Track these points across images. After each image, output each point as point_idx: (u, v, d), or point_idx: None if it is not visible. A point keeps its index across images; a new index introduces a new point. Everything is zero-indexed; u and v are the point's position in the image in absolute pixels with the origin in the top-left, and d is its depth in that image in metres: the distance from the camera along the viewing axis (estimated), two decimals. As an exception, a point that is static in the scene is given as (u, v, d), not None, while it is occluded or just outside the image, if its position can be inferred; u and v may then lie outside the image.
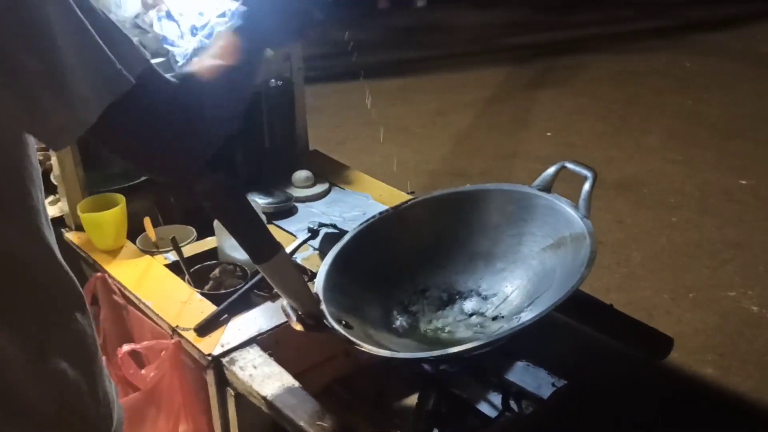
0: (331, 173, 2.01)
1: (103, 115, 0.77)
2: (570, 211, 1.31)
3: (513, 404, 1.39)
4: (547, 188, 1.38)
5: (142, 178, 1.73)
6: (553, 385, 1.44)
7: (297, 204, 1.87)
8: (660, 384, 2.40)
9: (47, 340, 0.86)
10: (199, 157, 0.88)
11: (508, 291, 1.38)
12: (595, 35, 6.37)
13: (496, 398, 1.40)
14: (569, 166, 1.37)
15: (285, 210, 1.82)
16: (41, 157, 1.95)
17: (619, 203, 3.61)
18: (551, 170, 1.39)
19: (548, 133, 4.49)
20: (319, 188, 1.93)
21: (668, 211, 3.55)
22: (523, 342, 1.41)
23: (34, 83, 0.73)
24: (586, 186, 1.31)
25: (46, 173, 1.86)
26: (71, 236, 1.72)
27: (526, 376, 1.46)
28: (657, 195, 3.71)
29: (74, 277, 0.92)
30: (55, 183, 1.78)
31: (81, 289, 0.94)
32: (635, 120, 4.65)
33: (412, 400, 1.39)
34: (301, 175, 1.92)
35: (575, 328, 1.52)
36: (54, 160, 1.71)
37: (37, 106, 0.75)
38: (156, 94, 0.83)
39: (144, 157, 0.87)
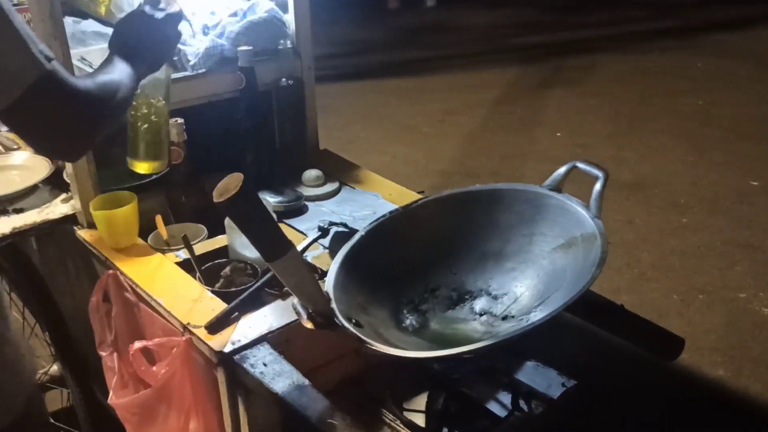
0: (341, 172, 2.02)
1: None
2: (581, 211, 1.31)
3: (522, 404, 1.39)
4: (557, 188, 1.38)
5: (153, 177, 1.73)
6: (563, 385, 1.44)
7: (307, 203, 1.87)
8: (670, 385, 2.40)
9: None
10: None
11: (519, 291, 1.38)
12: (607, 35, 6.36)
13: (506, 398, 1.40)
14: (580, 166, 1.37)
15: (295, 209, 1.83)
16: (54, 155, 1.97)
17: (629, 204, 3.60)
18: (562, 170, 1.38)
19: (558, 134, 4.48)
20: (329, 187, 1.93)
21: (679, 212, 3.54)
22: (534, 342, 1.41)
23: None
24: (597, 186, 1.30)
25: (59, 171, 1.88)
26: (83, 234, 1.73)
27: (536, 376, 1.46)
28: (668, 196, 3.70)
29: None
30: (68, 181, 1.79)
31: None
32: (646, 120, 4.64)
33: (422, 399, 1.39)
34: (311, 174, 1.93)
35: (585, 328, 1.51)
36: (67, 158, 1.72)
37: None
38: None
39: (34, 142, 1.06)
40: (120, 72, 1.20)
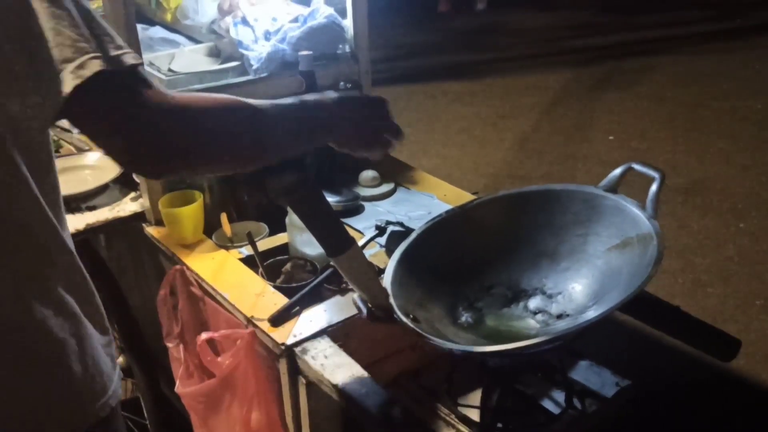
0: (396, 173, 2.06)
1: (74, 97, 0.82)
2: (637, 211, 1.32)
3: (576, 402, 1.41)
4: (613, 189, 1.39)
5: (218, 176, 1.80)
6: (617, 384, 1.45)
7: (364, 203, 1.92)
8: (725, 389, 2.37)
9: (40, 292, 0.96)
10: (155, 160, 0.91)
11: (573, 290, 1.40)
12: (662, 37, 6.26)
13: (560, 396, 1.42)
14: (636, 167, 1.38)
15: (353, 208, 1.88)
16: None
17: (685, 208, 3.56)
18: (618, 171, 1.40)
19: (611, 137, 4.44)
20: (385, 188, 1.98)
21: (736, 217, 3.47)
22: (588, 341, 1.42)
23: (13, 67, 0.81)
24: (654, 187, 1.31)
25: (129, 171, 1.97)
26: (151, 231, 1.81)
27: (590, 375, 1.48)
28: (725, 200, 3.64)
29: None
30: (137, 180, 1.88)
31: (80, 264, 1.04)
32: (702, 124, 4.56)
33: (477, 394, 1.42)
34: (367, 174, 1.98)
35: (641, 329, 1.52)
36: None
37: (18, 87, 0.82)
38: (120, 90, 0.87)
39: (102, 142, 0.90)
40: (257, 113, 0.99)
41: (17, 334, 0.94)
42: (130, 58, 0.87)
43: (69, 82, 0.82)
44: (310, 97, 1.06)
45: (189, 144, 0.91)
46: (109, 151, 0.90)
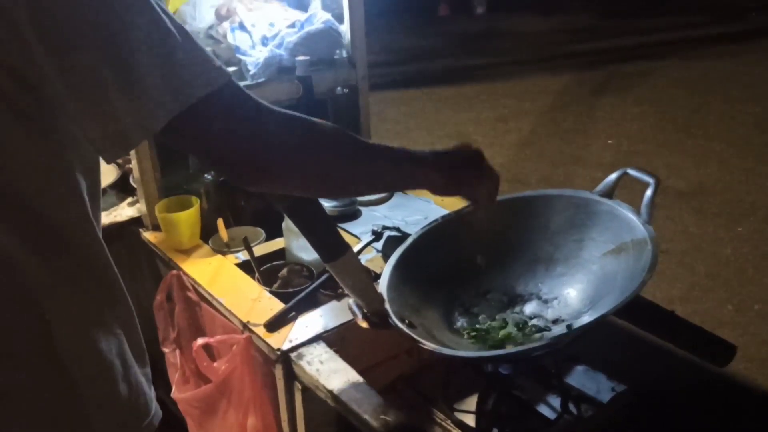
0: (394, 178, 2.06)
1: (175, 119, 0.80)
2: (632, 216, 1.32)
3: (572, 407, 1.41)
4: (608, 194, 1.39)
5: (214, 178, 1.80)
6: (613, 389, 1.45)
7: (361, 208, 1.92)
8: (723, 396, 2.36)
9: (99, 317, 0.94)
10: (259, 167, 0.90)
11: (569, 295, 1.40)
12: (662, 41, 6.27)
13: (556, 401, 1.42)
14: (631, 172, 1.38)
15: (349, 213, 1.88)
16: (120, 161, 2.06)
17: (683, 212, 3.56)
18: (613, 176, 1.40)
19: (610, 141, 4.44)
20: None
21: (735, 221, 3.47)
22: (584, 346, 1.43)
23: (104, 87, 0.77)
24: (648, 192, 1.31)
25: (126, 176, 1.97)
26: (148, 235, 1.81)
27: (586, 380, 1.48)
28: (723, 204, 3.64)
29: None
30: (134, 186, 1.88)
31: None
32: (701, 128, 4.56)
33: (473, 399, 1.42)
34: (365, 179, 1.98)
35: (636, 334, 1.52)
36: (134, 165, 1.81)
37: (103, 110, 0.78)
38: (233, 106, 0.86)
39: (211, 158, 0.89)
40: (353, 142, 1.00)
41: (74, 357, 0.92)
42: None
43: (197, 90, 0.81)
44: (414, 152, 1.06)
45: (295, 152, 0.91)
46: (227, 162, 0.88)
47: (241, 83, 1.87)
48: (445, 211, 1.69)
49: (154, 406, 1.04)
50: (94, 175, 0.91)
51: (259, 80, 1.88)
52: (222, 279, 1.63)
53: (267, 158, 0.89)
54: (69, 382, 0.91)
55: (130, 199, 1.94)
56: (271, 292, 1.56)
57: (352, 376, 1.32)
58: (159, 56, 0.79)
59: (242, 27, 1.95)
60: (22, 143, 0.80)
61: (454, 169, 1.10)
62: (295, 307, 1.48)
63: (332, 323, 1.45)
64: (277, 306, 1.50)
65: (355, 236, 1.78)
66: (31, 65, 0.75)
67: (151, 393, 1.04)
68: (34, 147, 0.81)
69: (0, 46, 0.74)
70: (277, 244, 1.75)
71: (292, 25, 1.94)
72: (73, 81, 0.76)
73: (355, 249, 1.62)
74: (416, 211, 1.90)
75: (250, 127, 0.87)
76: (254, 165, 0.89)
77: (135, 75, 0.77)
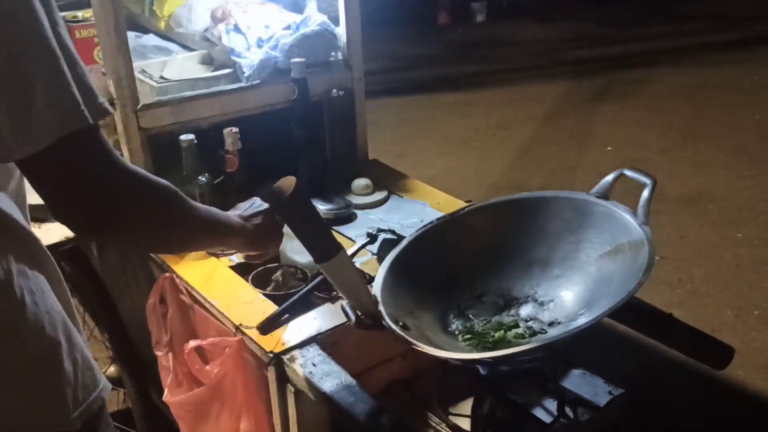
0: (389, 181, 2.05)
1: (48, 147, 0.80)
2: (628, 218, 1.31)
3: (569, 411, 1.39)
4: (605, 195, 1.38)
5: (208, 180, 1.79)
6: (610, 393, 1.44)
7: (356, 211, 1.91)
8: (722, 400, 2.35)
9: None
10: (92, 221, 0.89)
11: (565, 297, 1.38)
12: (662, 49, 6.27)
13: (552, 405, 1.41)
14: (628, 173, 1.37)
15: (345, 216, 1.87)
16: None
17: (682, 218, 3.54)
18: (609, 177, 1.39)
19: (609, 148, 4.43)
20: (378, 196, 1.97)
21: (734, 227, 3.46)
22: (581, 349, 1.41)
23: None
24: (645, 193, 1.30)
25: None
26: (142, 238, 1.79)
27: (582, 383, 1.46)
28: (723, 211, 3.63)
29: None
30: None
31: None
32: (701, 134, 4.56)
33: (468, 403, 1.40)
34: (360, 182, 1.97)
35: (634, 337, 1.51)
36: (128, 166, 1.79)
37: None
38: (94, 147, 0.86)
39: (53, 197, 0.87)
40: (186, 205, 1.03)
41: (12, 335, 0.92)
42: (105, 108, 0.86)
43: (50, 131, 0.80)
44: (224, 217, 1.16)
45: (135, 213, 0.92)
46: (62, 206, 0.87)
47: (236, 85, 1.89)
48: (441, 214, 1.68)
49: (102, 378, 1.05)
50: None
51: (254, 82, 1.87)
52: (215, 281, 1.61)
53: (109, 217, 0.89)
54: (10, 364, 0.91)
55: (124, 202, 1.92)
56: (265, 295, 1.55)
57: (345, 378, 1.30)
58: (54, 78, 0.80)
59: (237, 29, 1.94)
60: None
61: (256, 235, 1.20)
62: (288, 310, 1.46)
63: (326, 326, 1.44)
64: (270, 308, 1.48)
65: (351, 239, 1.77)
66: None
67: (93, 360, 1.04)
68: None
69: None
70: (272, 246, 1.73)
71: (288, 27, 1.94)
72: None
73: (350, 251, 1.61)
74: (412, 214, 1.89)
75: (98, 184, 0.86)
76: (95, 221, 0.88)
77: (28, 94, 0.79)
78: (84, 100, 0.83)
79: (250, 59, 1.88)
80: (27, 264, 0.95)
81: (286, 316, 1.46)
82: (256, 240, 1.20)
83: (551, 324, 1.36)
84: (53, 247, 1.55)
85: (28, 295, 0.93)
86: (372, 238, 1.67)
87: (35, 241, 0.98)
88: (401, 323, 1.26)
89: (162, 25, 2.17)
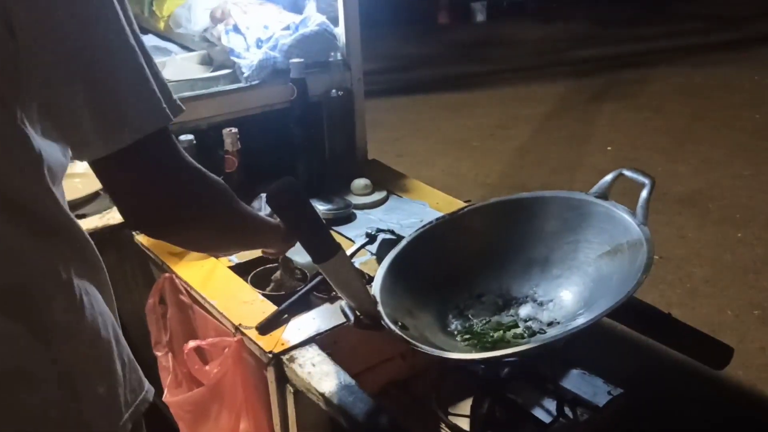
0: (389, 182, 2.05)
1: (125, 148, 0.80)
2: (627, 218, 1.31)
3: (568, 411, 1.39)
4: (604, 195, 1.38)
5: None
6: (609, 393, 1.44)
7: (355, 211, 1.91)
8: (722, 401, 2.35)
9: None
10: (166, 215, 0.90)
11: (564, 297, 1.39)
12: (661, 49, 6.27)
13: (551, 405, 1.41)
14: (627, 173, 1.37)
15: (344, 216, 1.87)
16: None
17: (682, 218, 3.54)
18: (608, 177, 1.39)
19: (609, 147, 4.43)
20: (377, 196, 1.97)
21: (734, 227, 3.46)
22: (580, 350, 1.41)
23: (79, 102, 0.77)
24: (644, 193, 1.30)
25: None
26: (141, 239, 1.79)
27: (582, 383, 1.46)
28: (722, 210, 3.62)
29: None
30: (128, 188, 1.87)
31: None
32: (701, 134, 4.56)
33: (467, 403, 1.40)
34: (360, 182, 1.97)
35: (633, 337, 1.51)
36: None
37: (72, 120, 0.79)
38: (171, 145, 0.86)
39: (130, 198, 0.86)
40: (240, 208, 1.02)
41: (73, 336, 0.92)
42: (179, 104, 0.86)
43: (134, 129, 0.80)
44: (263, 216, 1.15)
45: (206, 212, 0.92)
46: (135, 204, 0.86)
47: (236, 86, 1.89)
48: (440, 214, 1.68)
49: (146, 383, 1.04)
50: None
51: (254, 82, 1.87)
52: (215, 282, 1.61)
53: (181, 216, 0.90)
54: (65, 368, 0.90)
55: (123, 203, 1.92)
56: (264, 295, 1.55)
57: (344, 379, 1.30)
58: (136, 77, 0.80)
59: (237, 29, 1.94)
60: None
61: (286, 235, 1.18)
62: (287, 310, 1.47)
63: (325, 326, 1.44)
64: (269, 309, 1.48)
65: (350, 239, 1.77)
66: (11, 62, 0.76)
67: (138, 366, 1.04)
68: (6, 125, 0.81)
69: None
70: (271, 247, 1.74)
71: (287, 28, 1.94)
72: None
73: (349, 251, 1.61)
74: (411, 214, 1.89)
75: (173, 183, 0.87)
76: (168, 220, 0.89)
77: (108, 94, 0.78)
78: (163, 98, 0.83)
79: (249, 60, 1.88)
80: (82, 264, 0.94)
81: (286, 316, 1.46)
82: (287, 237, 1.18)
83: (550, 324, 1.36)
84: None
85: (85, 295, 0.92)
86: (371, 238, 1.67)
87: (87, 241, 0.96)
88: (400, 323, 1.26)
89: (161, 25, 2.17)
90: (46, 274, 0.88)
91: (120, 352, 0.97)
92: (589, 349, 1.39)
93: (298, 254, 1.63)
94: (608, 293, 1.26)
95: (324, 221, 1.34)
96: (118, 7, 0.79)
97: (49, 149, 0.86)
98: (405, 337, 1.21)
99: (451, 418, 1.39)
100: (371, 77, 2.04)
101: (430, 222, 1.48)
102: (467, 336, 1.36)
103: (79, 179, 2.03)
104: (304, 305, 1.49)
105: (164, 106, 0.83)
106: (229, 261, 1.69)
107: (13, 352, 0.85)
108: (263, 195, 1.23)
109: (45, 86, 0.78)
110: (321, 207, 1.84)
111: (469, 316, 1.41)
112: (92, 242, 0.96)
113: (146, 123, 0.81)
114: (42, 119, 0.83)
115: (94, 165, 0.83)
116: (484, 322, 1.40)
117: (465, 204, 1.83)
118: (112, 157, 0.80)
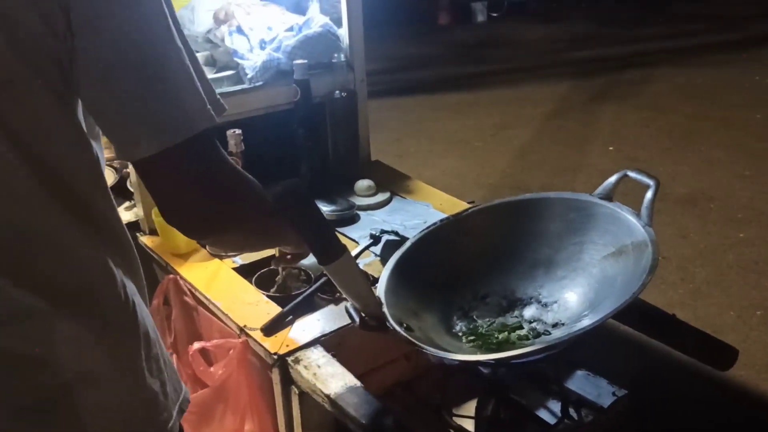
0: (392, 183, 2.05)
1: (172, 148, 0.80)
2: (632, 219, 1.31)
3: (572, 412, 1.39)
4: (608, 197, 1.38)
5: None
6: (614, 394, 1.44)
7: (359, 212, 1.91)
8: (725, 401, 2.35)
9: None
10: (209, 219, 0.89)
11: (569, 299, 1.39)
12: (663, 49, 6.27)
13: (556, 406, 1.41)
14: (631, 174, 1.37)
15: (347, 218, 1.87)
16: (118, 165, 2.05)
17: (684, 218, 3.54)
18: (613, 179, 1.39)
19: (610, 148, 4.44)
20: (381, 197, 1.97)
21: (736, 227, 3.46)
22: (584, 351, 1.41)
23: (130, 101, 0.78)
24: (649, 194, 1.30)
25: (123, 180, 1.96)
26: (145, 240, 1.80)
27: (586, 385, 1.47)
28: (724, 210, 3.62)
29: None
30: (132, 189, 1.87)
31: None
32: (702, 134, 4.56)
33: (472, 404, 1.40)
34: (363, 184, 1.97)
35: (637, 339, 1.51)
36: (131, 169, 1.80)
37: (118, 120, 0.79)
38: (214, 146, 0.86)
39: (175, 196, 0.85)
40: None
41: (129, 336, 0.92)
42: (222, 104, 0.86)
43: (181, 130, 0.80)
44: None
45: (248, 213, 0.92)
46: (178, 206, 0.85)
47: (239, 87, 1.89)
48: (444, 215, 1.68)
49: (182, 384, 1.04)
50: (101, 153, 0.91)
51: (257, 84, 1.87)
52: (219, 283, 1.61)
53: (224, 218, 0.89)
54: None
55: (127, 204, 1.93)
56: (269, 296, 1.55)
57: (349, 380, 1.31)
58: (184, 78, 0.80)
59: (240, 30, 1.94)
60: (60, 121, 0.80)
61: None
62: (292, 311, 1.47)
63: (330, 327, 1.44)
64: (274, 310, 1.48)
65: (354, 240, 1.77)
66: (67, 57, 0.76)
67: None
68: (69, 125, 0.81)
69: (49, 41, 0.75)
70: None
71: (290, 29, 1.94)
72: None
73: (353, 253, 1.61)
74: (415, 215, 1.89)
75: (218, 184, 0.86)
76: (211, 222, 0.88)
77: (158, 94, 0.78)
78: (207, 98, 0.83)
79: (252, 61, 1.88)
80: (129, 267, 0.94)
81: (290, 317, 1.46)
82: None
83: (555, 325, 1.36)
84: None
85: (134, 297, 0.93)
86: (375, 239, 1.68)
87: (132, 245, 0.96)
88: (405, 325, 1.26)
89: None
90: (107, 276, 0.88)
91: (163, 351, 0.99)
92: (594, 350, 1.39)
93: (302, 255, 1.63)
94: (613, 294, 1.26)
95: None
96: (166, 8, 0.79)
97: (97, 148, 0.87)
98: (410, 338, 1.21)
99: (455, 419, 1.40)
100: (372, 78, 2.03)
101: (435, 223, 1.48)
102: (472, 337, 1.36)
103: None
104: (308, 307, 1.49)
105: (209, 106, 0.83)
106: (234, 262, 1.69)
107: (86, 354, 0.86)
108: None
109: (98, 84, 0.78)
110: (324, 208, 1.85)
111: (474, 317, 1.41)
112: (130, 239, 0.96)
113: (193, 124, 0.81)
114: (87, 118, 0.84)
115: (137, 164, 0.82)
116: (488, 323, 1.40)
117: (469, 205, 1.83)
118: (157, 156, 0.80)
